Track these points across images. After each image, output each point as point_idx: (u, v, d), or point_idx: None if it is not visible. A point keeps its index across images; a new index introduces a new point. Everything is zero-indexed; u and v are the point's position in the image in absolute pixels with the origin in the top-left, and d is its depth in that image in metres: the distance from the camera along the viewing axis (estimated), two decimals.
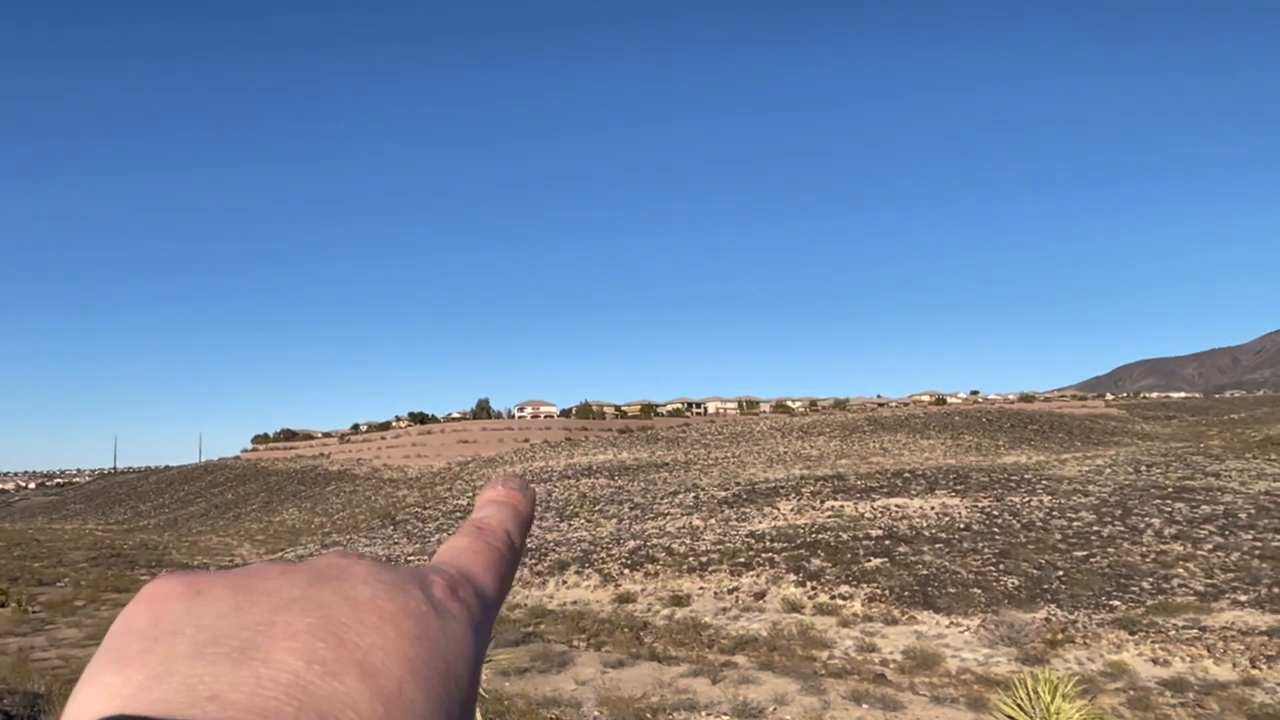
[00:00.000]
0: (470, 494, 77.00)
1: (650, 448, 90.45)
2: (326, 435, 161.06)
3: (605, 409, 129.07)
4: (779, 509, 48.62)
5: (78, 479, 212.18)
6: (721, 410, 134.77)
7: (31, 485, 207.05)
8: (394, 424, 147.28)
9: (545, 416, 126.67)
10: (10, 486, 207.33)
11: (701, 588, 36.14)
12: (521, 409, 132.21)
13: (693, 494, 58.40)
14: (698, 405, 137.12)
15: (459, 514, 67.86)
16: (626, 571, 39.10)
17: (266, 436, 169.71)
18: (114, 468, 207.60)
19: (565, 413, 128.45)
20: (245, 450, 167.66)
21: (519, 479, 0.52)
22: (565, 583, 40.04)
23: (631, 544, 43.78)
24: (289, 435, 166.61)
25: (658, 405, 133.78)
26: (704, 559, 38.63)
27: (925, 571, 31.07)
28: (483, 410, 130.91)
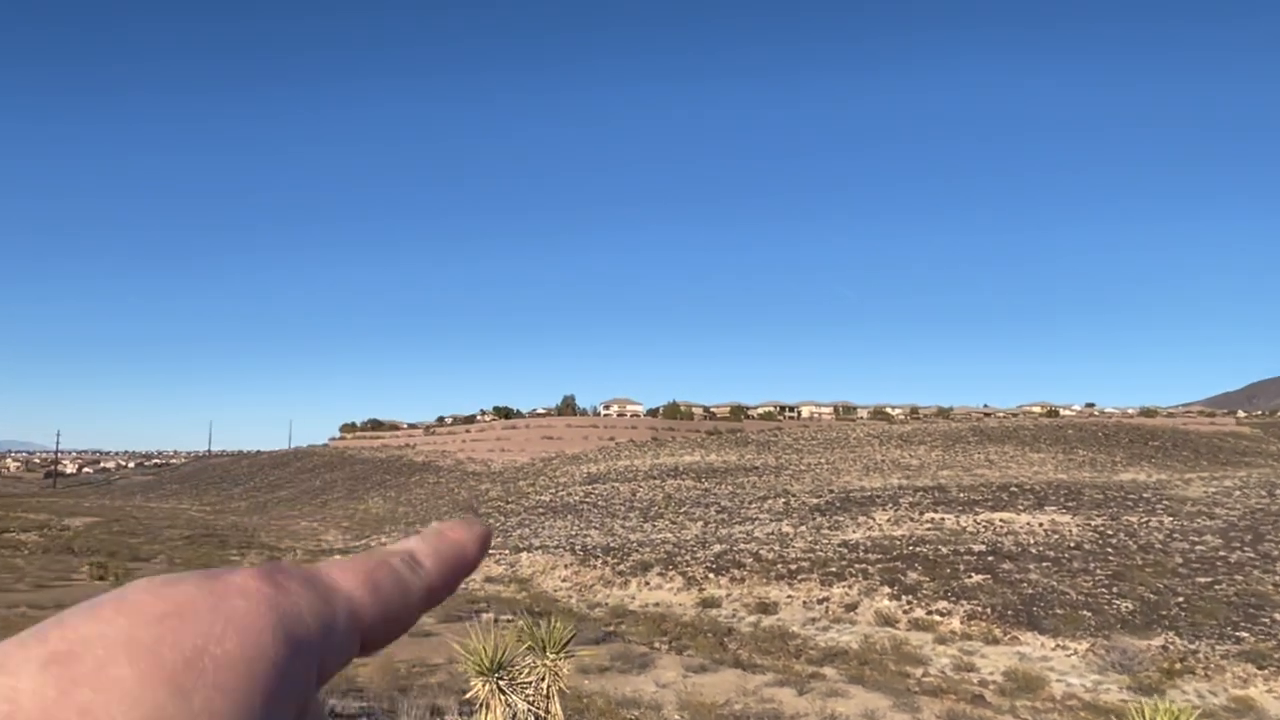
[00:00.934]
0: (554, 490, 78.38)
1: (739, 451, 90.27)
2: (412, 426, 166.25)
3: (693, 410, 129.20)
4: (874, 519, 47.98)
5: (174, 460, 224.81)
6: (816, 415, 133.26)
7: (131, 465, 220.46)
8: (479, 418, 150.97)
9: (631, 415, 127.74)
10: (112, 465, 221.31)
11: (790, 596, 36.05)
12: (607, 407, 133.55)
13: (783, 500, 58.11)
14: (790, 409, 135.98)
15: (541, 509, 69.22)
16: (711, 575, 39.30)
17: (354, 425, 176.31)
18: (208, 450, 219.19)
19: (652, 412, 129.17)
20: (333, 438, 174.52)
21: (479, 523, 0.49)
22: (647, 583, 40.51)
23: (717, 548, 43.94)
24: (375, 425, 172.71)
25: (748, 408, 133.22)
26: (793, 567, 38.50)
27: (1031, 590, 30.28)
28: (568, 407, 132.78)
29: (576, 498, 71.60)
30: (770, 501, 58.12)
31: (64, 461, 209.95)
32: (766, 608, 35.14)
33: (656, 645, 26.53)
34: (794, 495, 59.43)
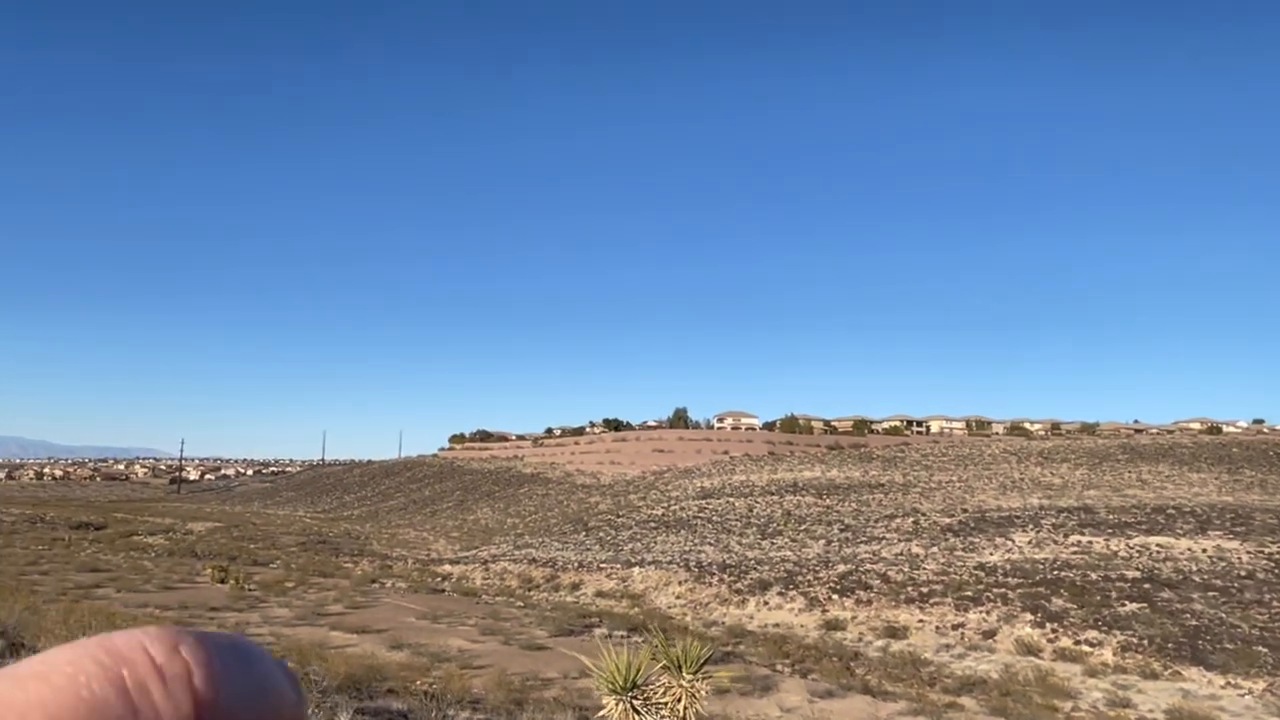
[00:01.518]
0: (666, 504, 78.64)
1: (863, 467, 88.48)
2: (520, 438, 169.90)
3: (813, 423, 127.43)
4: (1013, 540, 46.22)
5: (289, 468, 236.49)
6: (946, 430, 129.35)
7: (249, 472, 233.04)
8: (588, 429, 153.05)
9: (746, 429, 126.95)
10: (231, 472, 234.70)
11: (921, 620, 35.11)
12: (721, 420, 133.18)
13: (911, 519, 56.64)
14: (919, 423, 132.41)
15: (653, 524, 69.56)
16: (835, 596, 38.68)
17: (463, 436, 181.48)
18: (322, 459, 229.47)
19: (768, 425, 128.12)
20: (442, 449, 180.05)
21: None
22: (766, 603, 40.18)
23: (841, 568, 43.20)
24: (484, 436, 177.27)
25: (872, 422, 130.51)
26: (924, 589, 37.51)
27: (1195, 622, 28.56)
28: (680, 419, 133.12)
29: (690, 513, 71.63)
30: (898, 520, 56.74)
31: (187, 468, 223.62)
32: (896, 632, 34.30)
33: (779, 668, 26.29)
34: (924, 514, 57.85)
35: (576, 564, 52.99)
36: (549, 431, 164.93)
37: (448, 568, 56.05)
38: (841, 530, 56.45)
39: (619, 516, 76.42)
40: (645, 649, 7.68)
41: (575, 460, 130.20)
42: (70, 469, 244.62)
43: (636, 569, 49.18)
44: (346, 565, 55.11)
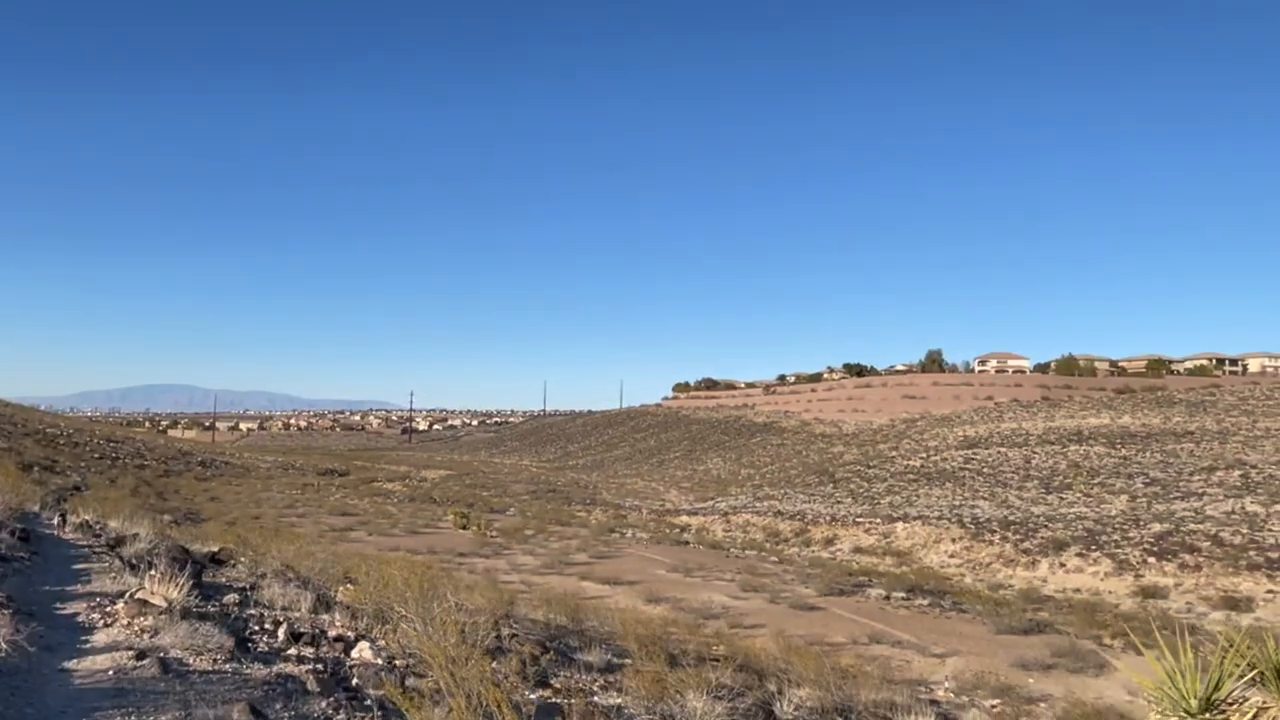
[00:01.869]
0: (924, 454, 74.85)
1: (1163, 412, 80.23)
2: (750, 386, 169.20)
3: (1095, 364, 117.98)
4: None
5: (512, 419, 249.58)
6: (1270, 369, 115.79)
7: (474, 423, 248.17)
8: (826, 376, 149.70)
9: (1014, 372, 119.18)
10: (458, 423, 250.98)
11: (1270, 591, 30.82)
12: (983, 362, 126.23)
13: (1239, 471, 50.35)
14: (1232, 362, 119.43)
15: (911, 475, 66.26)
16: (1151, 560, 34.75)
17: (687, 385, 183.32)
18: (543, 410, 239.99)
19: (1040, 368, 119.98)
20: (665, 398, 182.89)
21: None
22: (1063, 565, 36.73)
23: (1156, 527, 38.83)
24: (710, 384, 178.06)
25: (1170, 361, 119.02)
26: (1271, 555, 32.90)
27: None
28: (934, 363, 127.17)
29: (954, 464, 67.67)
30: (1220, 474, 50.69)
31: (417, 419, 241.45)
32: (1236, 603, 30.33)
33: (1105, 641, 23.29)
34: (1254, 467, 51.34)
35: (828, 517, 51.07)
36: (781, 379, 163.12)
37: (685, 519, 55.85)
38: (1147, 484, 51.10)
39: (869, 467, 73.58)
40: (1217, 649, 4.69)
41: (813, 408, 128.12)
42: (312, 420, 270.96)
43: (900, 524, 46.65)
44: (580, 514, 56.17)
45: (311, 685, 5.79)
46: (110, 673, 5.47)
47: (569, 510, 58.22)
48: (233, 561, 12.49)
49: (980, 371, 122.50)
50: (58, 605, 7.60)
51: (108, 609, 7.47)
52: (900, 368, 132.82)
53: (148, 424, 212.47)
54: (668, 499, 75.13)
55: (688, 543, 45.40)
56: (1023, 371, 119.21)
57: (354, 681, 6.34)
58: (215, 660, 6.14)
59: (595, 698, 7.46)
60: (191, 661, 6.05)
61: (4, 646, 5.72)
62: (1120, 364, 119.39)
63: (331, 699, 5.57)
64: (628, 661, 9.44)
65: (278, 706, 5.19)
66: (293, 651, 6.94)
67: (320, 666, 6.51)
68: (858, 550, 44.18)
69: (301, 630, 7.63)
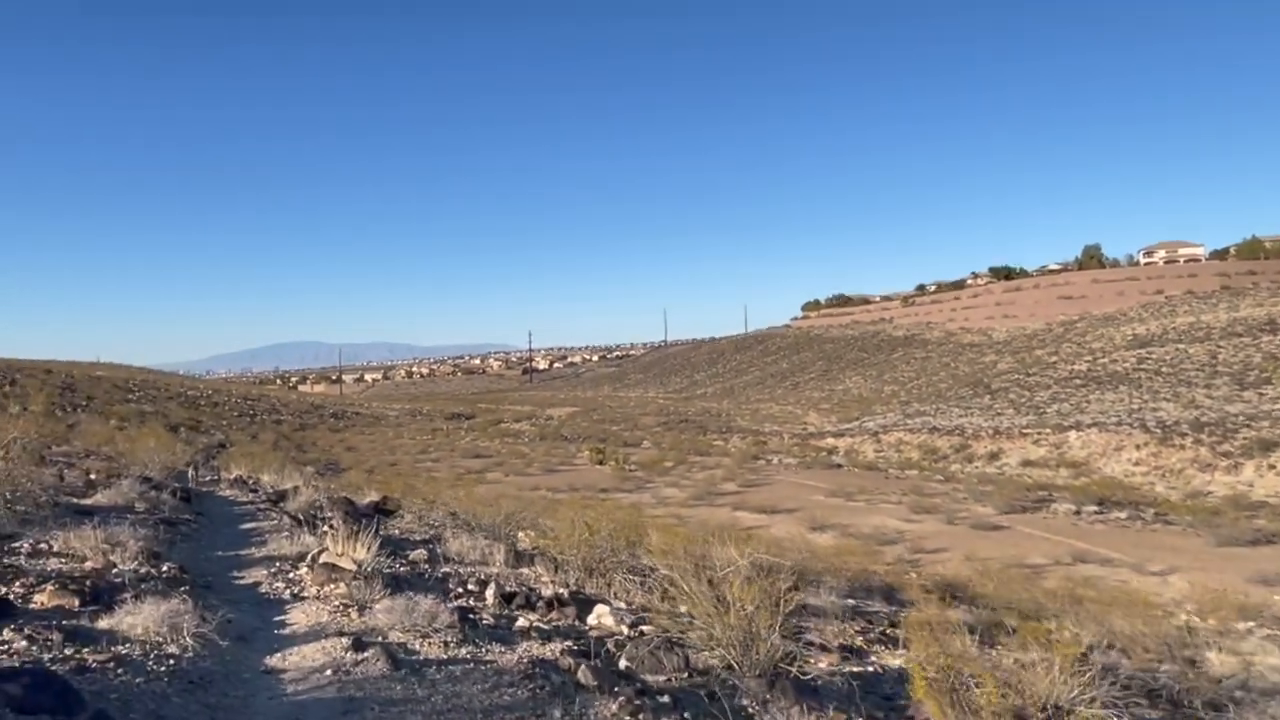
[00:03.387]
0: (1089, 357, 70.82)
1: None
2: (886, 299, 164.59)
3: None
4: None
5: (633, 351, 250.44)
6: None
7: (594, 358, 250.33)
8: (970, 281, 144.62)
9: (1187, 261, 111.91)
10: (578, 359, 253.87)
11: None
12: (1149, 253, 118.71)
13: None
14: None
15: (1077, 380, 62.76)
16: None
17: (818, 303, 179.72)
18: (664, 340, 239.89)
19: (1218, 254, 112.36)
20: (794, 318, 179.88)
21: None
22: (1272, 467, 33.74)
23: None
24: (843, 300, 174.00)
25: None
26: None
27: None
28: (1092, 258, 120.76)
29: (1126, 365, 63.69)
30: None
31: (536, 358, 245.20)
32: None
33: None
34: None
35: (990, 431, 48.61)
36: (920, 289, 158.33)
37: (831, 441, 54.23)
38: None
39: (1029, 375, 70.14)
40: None
41: (957, 317, 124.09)
42: (434, 366, 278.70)
43: (1073, 433, 43.94)
44: (718, 443, 55.22)
45: (584, 676, 4.64)
46: (328, 672, 4.34)
47: (705, 440, 57.33)
48: (400, 511, 12.37)
49: (1147, 264, 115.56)
50: (235, 574, 7.16)
51: (290, 575, 6.96)
52: (1054, 267, 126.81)
53: (279, 381, 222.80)
54: (808, 422, 73.41)
55: (839, 466, 43.99)
56: (1197, 260, 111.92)
57: (622, 664, 5.09)
58: (447, 644, 5.07)
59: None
60: (420, 648, 4.97)
61: (190, 644, 4.56)
62: None
63: (620, 697, 4.34)
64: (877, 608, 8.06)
65: (557, 715, 3.97)
66: (523, 623, 6.06)
67: (573, 644, 5.45)
68: (1027, 463, 41.85)
69: (511, 590, 6.89)
